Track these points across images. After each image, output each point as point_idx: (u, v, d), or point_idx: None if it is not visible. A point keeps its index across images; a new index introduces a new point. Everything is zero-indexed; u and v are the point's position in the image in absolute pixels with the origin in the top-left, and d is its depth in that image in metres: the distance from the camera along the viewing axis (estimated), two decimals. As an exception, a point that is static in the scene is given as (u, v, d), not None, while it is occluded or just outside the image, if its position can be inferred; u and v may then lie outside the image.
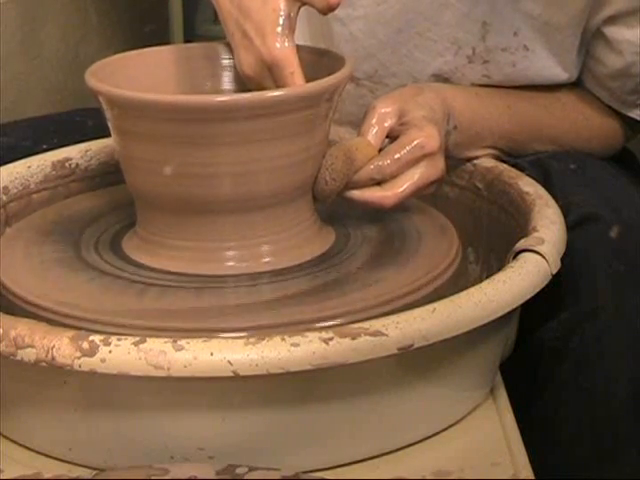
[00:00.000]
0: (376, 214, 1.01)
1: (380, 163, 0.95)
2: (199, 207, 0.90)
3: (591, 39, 1.13)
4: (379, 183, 0.96)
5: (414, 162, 0.96)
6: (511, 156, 1.11)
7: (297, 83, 0.93)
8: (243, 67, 0.97)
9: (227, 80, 1.03)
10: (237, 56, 0.98)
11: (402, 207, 1.02)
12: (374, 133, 0.98)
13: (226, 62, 1.03)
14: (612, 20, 1.11)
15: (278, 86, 0.94)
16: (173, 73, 1.02)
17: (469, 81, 1.13)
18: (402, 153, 0.96)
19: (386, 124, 0.99)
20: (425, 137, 0.96)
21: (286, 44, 0.93)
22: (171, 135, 0.87)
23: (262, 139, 0.88)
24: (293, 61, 0.93)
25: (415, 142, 0.96)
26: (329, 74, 0.91)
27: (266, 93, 0.89)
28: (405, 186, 0.96)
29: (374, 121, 0.99)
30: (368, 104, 1.01)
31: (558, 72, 1.13)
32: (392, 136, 0.98)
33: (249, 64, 0.96)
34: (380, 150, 0.97)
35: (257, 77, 0.96)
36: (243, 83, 1.01)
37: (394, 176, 0.95)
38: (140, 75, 0.99)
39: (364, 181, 0.95)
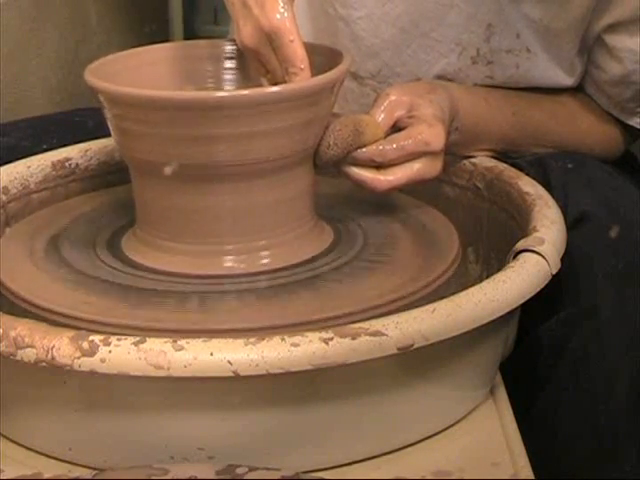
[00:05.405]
0: (377, 214, 1.01)
1: (384, 147, 0.95)
2: (199, 205, 0.90)
3: (592, 46, 1.13)
4: (377, 168, 0.96)
5: (416, 155, 0.96)
6: (509, 157, 1.11)
7: (297, 51, 0.91)
8: (242, 37, 0.95)
9: (229, 77, 1.03)
10: (236, 27, 0.95)
11: (402, 206, 1.02)
12: (382, 119, 0.98)
13: (228, 60, 1.03)
14: (613, 28, 1.11)
15: (278, 56, 0.92)
16: (174, 70, 1.02)
17: (472, 82, 1.13)
18: (407, 143, 0.96)
19: (395, 113, 0.99)
20: (432, 135, 0.97)
21: (286, 13, 0.91)
22: (169, 132, 0.87)
23: (261, 135, 0.87)
24: (293, 29, 0.91)
25: (421, 137, 0.96)
26: (328, 70, 0.91)
27: (265, 89, 0.89)
28: (400, 175, 0.96)
29: (384, 107, 0.99)
30: (380, 92, 1.01)
31: (560, 75, 1.13)
32: (398, 127, 0.99)
33: (248, 34, 0.94)
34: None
35: (256, 47, 0.94)
36: (245, 80, 1.01)
37: (393, 164, 0.96)
38: (140, 73, 0.99)
39: (364, 160, 0.95)
